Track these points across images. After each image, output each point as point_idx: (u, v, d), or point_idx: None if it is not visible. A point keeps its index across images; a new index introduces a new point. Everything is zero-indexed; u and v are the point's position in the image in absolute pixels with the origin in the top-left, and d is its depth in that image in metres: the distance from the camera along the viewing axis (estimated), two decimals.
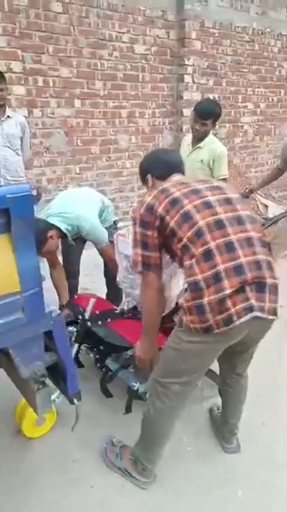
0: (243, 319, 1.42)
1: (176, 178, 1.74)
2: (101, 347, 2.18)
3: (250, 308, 1.43)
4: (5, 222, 1.12)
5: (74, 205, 2.45)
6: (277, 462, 1.91)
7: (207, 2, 5.25)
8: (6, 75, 3.71)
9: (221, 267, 1.42)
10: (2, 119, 3.30)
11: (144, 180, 1.85)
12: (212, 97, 5.74)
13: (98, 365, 2.19)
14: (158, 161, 1.81)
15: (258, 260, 1.48)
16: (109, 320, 2.17)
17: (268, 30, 6.11)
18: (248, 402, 2.18)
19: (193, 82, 5.29)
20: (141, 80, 4.93)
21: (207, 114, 2.94)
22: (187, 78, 5.21)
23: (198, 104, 3.09)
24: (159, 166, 1.79)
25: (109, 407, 2.18)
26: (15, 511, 1.69)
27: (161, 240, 1.58)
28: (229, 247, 1.46)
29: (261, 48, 6.13)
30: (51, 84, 4.21)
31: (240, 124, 6.29)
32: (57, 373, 1.57)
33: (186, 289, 1.50)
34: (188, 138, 3.24)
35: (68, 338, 1.52)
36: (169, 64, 5.14)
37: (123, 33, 4.61)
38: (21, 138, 3.45)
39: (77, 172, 4.64)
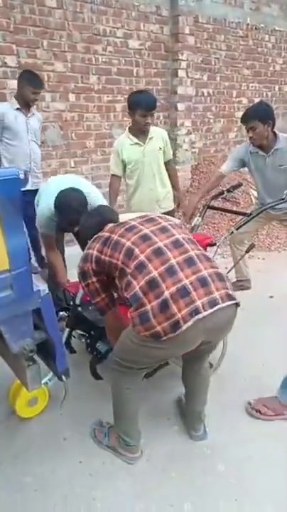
0: (190, 323, 1.44)
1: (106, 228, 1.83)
2: (92, 332, 2.26)
3: (195, 311, 1.45)
4: None
5: (83, 187, 2.47)
6: (258, 440, 1.99)
7: None
8: (1, 70, 3.82)
9: (155, 273, 1.48)
10: (29, 115, 3.51)
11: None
12: (206, 92, 5.83)
13: (89, 349, 2.27)
14: (90, 228, 1.92)
15: (190, 257, 1.55)
16: None
17: (262, 25, 6.17)
18: (235, 385, 2.28)
19: (187, 76, 5.36)
20: (135, 74, 5.00)
21: (154, 105, 2.94)
22: (181, 73, 5.28)
23: (140, 100, 2.90)
24: (93, 229, 1.89)
25: (98, 391, 2.26)
26: (7, 486, 1.77)
27: (103, 278, 1.71)
28: (158, 252, 1.53)
29: (255, 43, 6.20)
30: (46, 78, 4.26)
31: (234, 119, 6.35)
32: (46, 352, 1.65)
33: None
34: (126, 140, 3.08)
35: (56, 317, 1.59)
36: (163, 59, 5.20)
37: (117, 28, 4.67)
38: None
39: (72, 166, 4.71)
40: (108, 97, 4.82)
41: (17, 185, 1.21)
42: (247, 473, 1.82)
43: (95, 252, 1.66)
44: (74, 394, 2.18)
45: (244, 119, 2.72)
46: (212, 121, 6.07)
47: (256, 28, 6.10)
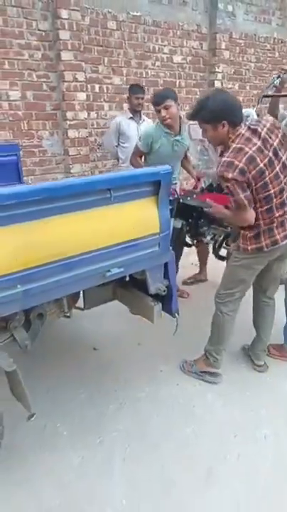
0: (283, 242, 2.18)
1: (242, 131, 2.01)
2: (193, 214, 3.01)
3: (285, 236, 2.18)
4: (156, 189, 1.85)
5: None
6: None
7: (235, 16, 5.94)
8: (72, 84, 4.50)
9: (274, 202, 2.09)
10: (140, 122, 4.30)
11: (214, 124, 2.00)
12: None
13: (195, 241, 3.22)
14: (232, 108, 1.98)
15: None
16: (194, 196, 3.02)
17: None
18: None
19: (222, 86, 5.99)
20: (177, 85, 5.64)
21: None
22: (217, 83, 5.91)
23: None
24: (234, 113, 1.97)
25: (183, 337, 2.73)
26: (127, 400, 2.43)
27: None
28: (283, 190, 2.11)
29: (281, 55, 6.81)
30: (105, 90, 4.94)
31: None
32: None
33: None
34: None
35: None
36: (201, 71, 5.85)
37: (164, 45, 5.33)
38: None
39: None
40: None
41: (170, 176, 1.86)
42: None
43: (241, 165, 1.92)
44: (159, 339, 2.82)
45: None
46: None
47: (282, 42, 6.72)
